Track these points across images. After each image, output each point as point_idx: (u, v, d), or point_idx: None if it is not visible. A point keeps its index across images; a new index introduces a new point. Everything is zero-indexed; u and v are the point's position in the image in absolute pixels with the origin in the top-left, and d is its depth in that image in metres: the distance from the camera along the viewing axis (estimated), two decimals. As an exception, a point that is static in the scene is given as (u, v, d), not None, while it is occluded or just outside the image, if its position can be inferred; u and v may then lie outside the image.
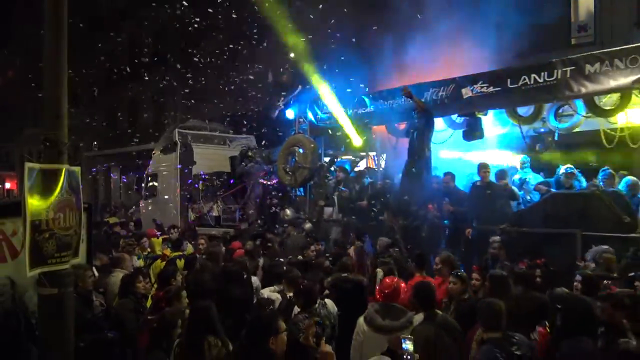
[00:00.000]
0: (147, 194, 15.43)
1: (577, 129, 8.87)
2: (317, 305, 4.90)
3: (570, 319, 3.89)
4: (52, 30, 3.53)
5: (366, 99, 10.55)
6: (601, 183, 8.29)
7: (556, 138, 9.39)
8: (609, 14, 12.79)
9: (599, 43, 12.13)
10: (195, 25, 15.91)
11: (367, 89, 11.67)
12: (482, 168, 8.64)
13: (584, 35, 13.25)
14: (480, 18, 11.17)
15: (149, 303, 5.50)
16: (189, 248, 8.87)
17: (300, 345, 3.80)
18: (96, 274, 5.99)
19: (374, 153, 12.63)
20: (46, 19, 3.54)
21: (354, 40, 13.59)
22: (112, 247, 8.68)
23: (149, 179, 15.44)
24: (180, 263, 6.97)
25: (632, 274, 5.19)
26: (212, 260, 6.67)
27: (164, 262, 7.34)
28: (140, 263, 8.07)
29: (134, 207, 18.34)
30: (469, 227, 8.20)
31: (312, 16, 12.99)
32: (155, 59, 24.00)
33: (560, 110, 8.91)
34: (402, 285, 4.94)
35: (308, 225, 10.10)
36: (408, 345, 3.45)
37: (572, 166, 8.83)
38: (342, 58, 12.53)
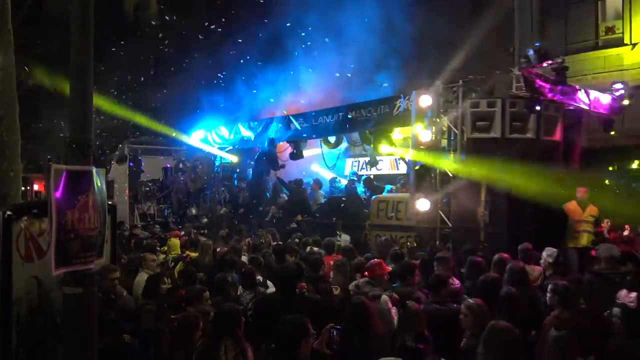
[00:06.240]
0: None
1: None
2: None
3: None
4: (79, 34, 3.57)
5: (242, 126, 14.24)
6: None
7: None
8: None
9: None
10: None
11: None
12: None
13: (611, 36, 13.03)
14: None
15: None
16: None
17: (314, 351, 3.71)
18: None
19: None
20: (72, 23, 3.59)
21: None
22: (132, 249, 8.73)
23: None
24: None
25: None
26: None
27: (185, 263, 7.38)
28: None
29: None
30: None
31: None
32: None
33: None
34: None
35: (205, 220, 13.23)
36: None
37: (353, 174, 13.12)
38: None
